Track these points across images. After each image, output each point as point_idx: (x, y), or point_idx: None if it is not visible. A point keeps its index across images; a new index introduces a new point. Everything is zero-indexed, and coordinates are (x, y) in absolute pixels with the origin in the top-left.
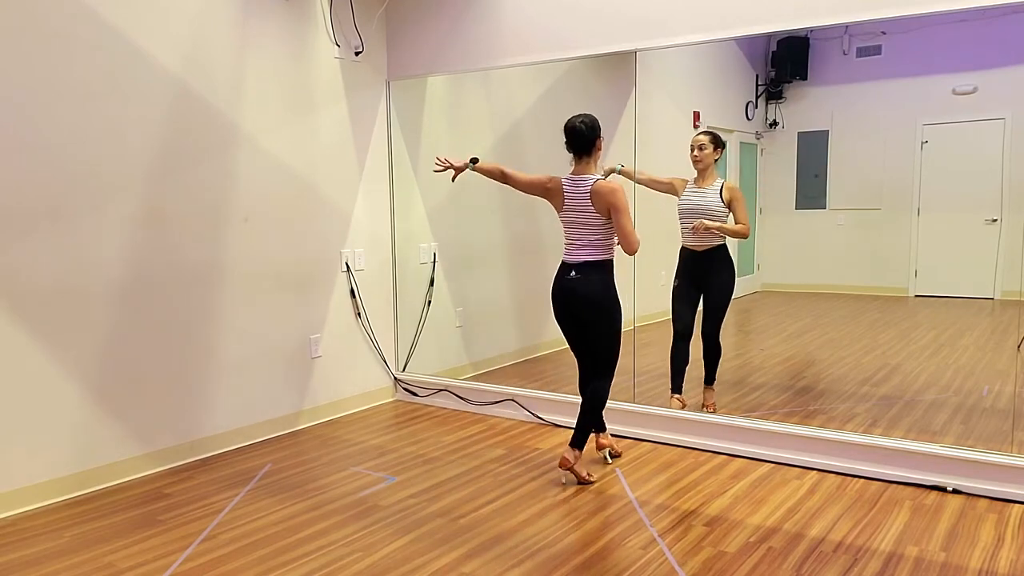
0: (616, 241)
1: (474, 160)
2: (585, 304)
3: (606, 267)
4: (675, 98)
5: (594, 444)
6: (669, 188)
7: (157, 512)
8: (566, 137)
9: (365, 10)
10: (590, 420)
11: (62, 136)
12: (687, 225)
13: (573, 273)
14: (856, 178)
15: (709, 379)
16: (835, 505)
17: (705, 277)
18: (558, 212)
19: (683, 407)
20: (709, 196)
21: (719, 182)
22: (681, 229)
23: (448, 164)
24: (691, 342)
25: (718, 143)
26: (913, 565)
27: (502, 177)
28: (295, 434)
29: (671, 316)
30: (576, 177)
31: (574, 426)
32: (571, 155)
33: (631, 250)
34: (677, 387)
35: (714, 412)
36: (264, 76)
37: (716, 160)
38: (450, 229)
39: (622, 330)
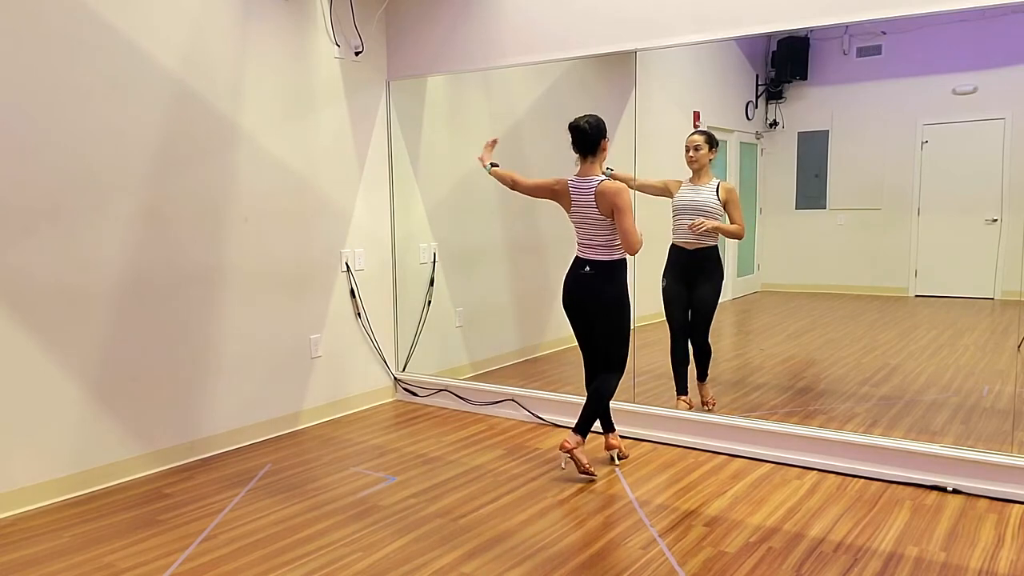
0: None
1: (494, 165)
2: (594, 300)
3: (618, 266)
4: (675, 98)
5: (603, 444)
6: (663, 191)
7: (157, 512)
8: (571, 136)
9: (365, 10)
10: (595, 411)
11: (62, 136)
12: (681, 222)
13: (587, 268)
14: (856, 178)
15: (702, 376)
16: (835, 505)
17: (695, 277)
18: (567, 212)
19: (690, 408)
20: (705, 194)
21: (715, 181)
22: (674, 226)
23: (481, 158)
24: (688, 340)
25: (713, 143)
26: (913, 565)
27: (512, 184)
28: (295, 434)
29: (665, 317)
30: (581, 178)
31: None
32: (576, 155)
33: (631, 250)
34: (682, 388)
35: (714, 406)
36: (264, 76)
37: (711, 160)
38: (450, 229)
39: (631, 330)
